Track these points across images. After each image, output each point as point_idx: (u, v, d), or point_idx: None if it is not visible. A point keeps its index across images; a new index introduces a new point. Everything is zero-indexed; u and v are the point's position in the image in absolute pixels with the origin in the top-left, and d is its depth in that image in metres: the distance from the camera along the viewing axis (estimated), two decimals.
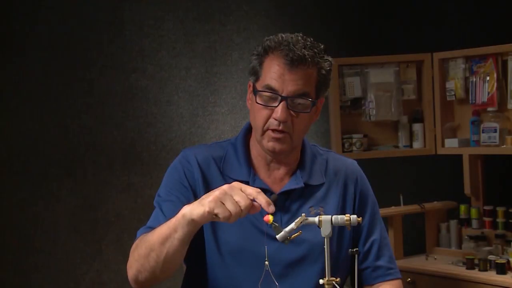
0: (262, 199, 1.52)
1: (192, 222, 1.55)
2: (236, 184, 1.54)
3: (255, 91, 1.77)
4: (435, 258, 3.17)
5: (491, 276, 2.82)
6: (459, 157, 3.20)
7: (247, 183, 1.79)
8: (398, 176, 3.78)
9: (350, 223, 1.53)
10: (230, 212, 1.50)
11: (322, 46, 1.81)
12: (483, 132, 3.06)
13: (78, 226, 3.00)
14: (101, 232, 3.04)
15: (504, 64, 3.01)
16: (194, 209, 1.54)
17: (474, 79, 3.10)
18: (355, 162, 1.97)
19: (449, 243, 3.27)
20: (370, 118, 3.27)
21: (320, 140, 3.57)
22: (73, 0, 3.01)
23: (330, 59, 1.81)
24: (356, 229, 1.87)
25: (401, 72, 3.29)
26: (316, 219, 1.54)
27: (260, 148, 1.83)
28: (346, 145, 3.25)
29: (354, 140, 3.25)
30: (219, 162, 1.85)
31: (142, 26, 3.15)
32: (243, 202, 1.50)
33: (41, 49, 2.94)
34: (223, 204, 1.50)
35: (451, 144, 3.21)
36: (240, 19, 3.39)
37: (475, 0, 3.92)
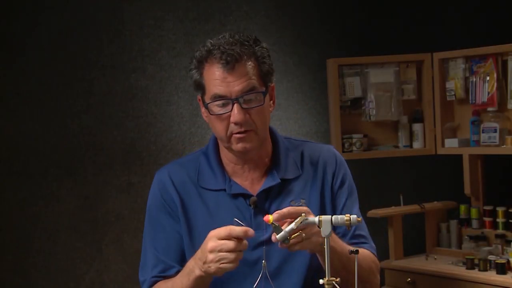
0: (238, 232, 1.57)
1: (201, 278, 1.65)
2: (211, 238, 1.59)
3: (205, 104, 1.76)
4: (435, 258, 3.17)
5: (491, 276, 2.82)
6: (459, 157, 3.20)
7: (223, 190, 1.79)
8: (398, 176, 3.78)
9: (350, 223, 1.53)
10: (232, 266, 1.58)
11: (253, 37, 1.78)
12: (483, 132, 3.06)
13: (78, 226, 2.99)
14: (101, 232, 3.04)
15: (504, 64, 3.01)
16: (208, 273, 1.63)
17: (474, 79, 3.10)
18: (332, 147, 1.95)
19: (449, 243, 3.27)
20: (370, 118, 3.27)
21: (320, 140, 3.57)
22: (73, 0, 3.01)
23: (264, 45, 1.78)
24: (334, 211, 1.85)
25: (401, 72, 3.29)
26: (316, 219, 1.54)
27: (231, 153, 1.81)
28: (346, 145, 3.25)
29: (354, 140, 3.25)
30: (194, 177, 1.84)
31: (142, 26, 3.15)
32: (231, 256, 1.57)
33: (41, 49, 2.94)
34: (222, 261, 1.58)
35: (451, 144, 3.21)
36: (240, 19, 3.39)
37: (475, 0, 3.92)
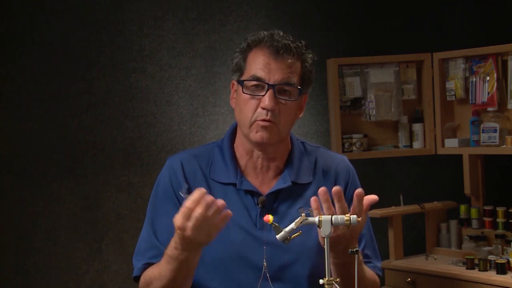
0: (208, 201, 1.53)
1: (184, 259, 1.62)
2: (177, 218, 1.55)
3: (241, 81, 1.76)
4: (435, 258, 3.17)
5: (491, 276, 2.82)
6: (459, 157, 3.20)
7: (233, 185, 1.79)
8: (398, 176, 3.78)
9: (350, 223, 1.53)
10: (212, 233, 1.55)
11: (304, 42, 1.82)
12: (483, 132, 3.06)
13: (78, 226, 2.99)
14: (101, 232, 3.04)
15: (504, 64, 3.01)
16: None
17: (474, 79, 3.10)
18: (345, 158, 1.95)
19: (449, 243, 3.26)
20: (370, 118, 3.27)
21: (320, 140, 3.57)
22: (73, 0, 3.01)
23: (312, 55, 1.82)
24: None
25: (401, 72, 3.29)
26: (316, 219, 1.53)
27: (247, 144, 1.81)
28: (346, 145, 3.25)
29: (354, 140, 3.25)
30: (205, 168, 1.83)
31: (142, 26, 3.15)
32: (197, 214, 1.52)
33: (41, 49, 2.94)
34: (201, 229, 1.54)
35: (451, 144, 3.21)
36: (240, 19, 3.39)
37: (475, 1, 3.92)
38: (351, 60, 3.28)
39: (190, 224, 1.53)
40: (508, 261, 2.84)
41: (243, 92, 1.75)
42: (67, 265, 2.96)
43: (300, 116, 1.86)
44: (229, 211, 1.56)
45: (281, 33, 1.79)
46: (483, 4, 3.91)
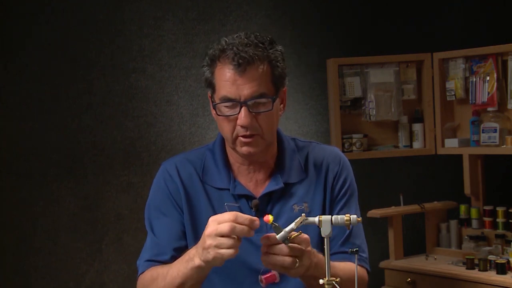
0: (243, 219, 1.53)
1: (199, 268, 1.60)
2: (211, 222, 1.54)
3: (214, 105, 1.74)
4: (435, 258, 3.17)
5: (491, 276, 2.82)
6: (459, 157, 3.20)
7: (227, 190, 1.78)
8: (398, 176, 3.78)
9: (350, 223, 1.53)
10: (230, 252, 1.53)
11: (269, 38, 1.74)
12: (483, 132, 3.06)
13: (78, 226, 2.99)
14: (101, 232, 3.04)
15: (504, 64, 3.01)
16: (208, 262, 1.57)
17: (474, 79, 3.10)
18: (337, 149, 1.93)
19: (449, 243, 3.26)
20: (370, 118, 3.27)
21: (320, 140, 3.56)
22: (73, 0, 3.01)
23: (279, 48, 1.75)
24: (331, 212, 1.83)
25: (401, 72, 3.29)
26: (316, 219, 1.53)
27: (236, 154, 1.81)
28: (346, 145, 3.25)
29: (354, 140, 3.25)
30: (199, 171, 1.83)
31: (142, 26, 3.15)
32: (228, 242, 1.52)
33: (41, 49, 2.94)
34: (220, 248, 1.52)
35: (451, 144, 3.21)
36: (240, 19, 3.39)
37: (475, 1, 3.92)
38: (351, 60, 3.28)
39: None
40: (508, 261, 2.84)
41: (218, 115, 1.73)
42: (67, 265, 2.96)
43: (283, 110, 1.82)
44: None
45: (242, 37, 1.71)
46: (483, 4, 3.91)
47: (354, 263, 1.76)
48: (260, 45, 1.70)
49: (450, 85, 3.20)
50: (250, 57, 1.67)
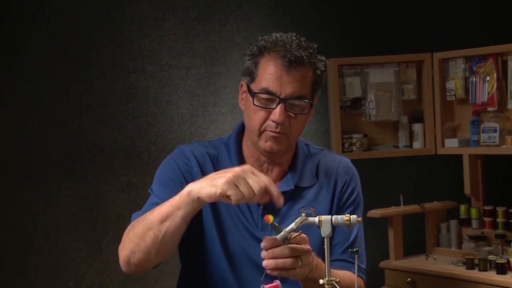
0: (274, 190, 1.52)
1: (198, 200, 1.53)
2: (247, 167, 1.52)
3: (252, 93, 1.75)
4: (435, 258, 3.17)
5: (491, 276, 2.82)
6: (459, 157, 3.20)
7: None
8: (398, 176, 3.78)
9: (350, 223, 1.53)
10: (243, 194, 1.48)
11: (315, 46, 1.78)
12: (483, 132, 3.06)
13: (78, 226, 3.00)
14: (101, 232, 3.04)
15: (504, 64, 3.01)
16: (203, 188, 1.51)
17: (474, 79, 3.10)
18: (348, 160, 1.95)
19: (449, 243, 3.26)
20: (370, 118, 3.27)
21: (320, 140, 3.57)
22: (73, 0, 3.01)
23: (324, 59, 1.80)
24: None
25: (401, 72, 3.29)
26: (316, 219, 1.53)
27: (255, 149, 1.81)
28: (346, 145, 3.25)
29: (354, 140, 3.25)
30: (213, 159, 1.84)
31: (142, 26, 3.15)
32: (257, 186, 1.49)
33: (41, 49, 2.94)
34: (237, 186, 1.48)
35: (451, 144, 3.21)
36: (240, 19, 3.39)
37: (475, 1, 3.92)
38: (351, 60, 3.28)
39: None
40: (508, 261, 2.84)
41: (254, 104, 1.74)
42: (67, 265, 2.96)
43: (309, 119, 1.85)
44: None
45: (294, 38, 1.74)
46: (483, 4, 3.91)
47: (352, 272, 1.80)
48: (310, 50, 1.74)
49: (450, 85, 3.20)
50: (301, 58, 1.70)
